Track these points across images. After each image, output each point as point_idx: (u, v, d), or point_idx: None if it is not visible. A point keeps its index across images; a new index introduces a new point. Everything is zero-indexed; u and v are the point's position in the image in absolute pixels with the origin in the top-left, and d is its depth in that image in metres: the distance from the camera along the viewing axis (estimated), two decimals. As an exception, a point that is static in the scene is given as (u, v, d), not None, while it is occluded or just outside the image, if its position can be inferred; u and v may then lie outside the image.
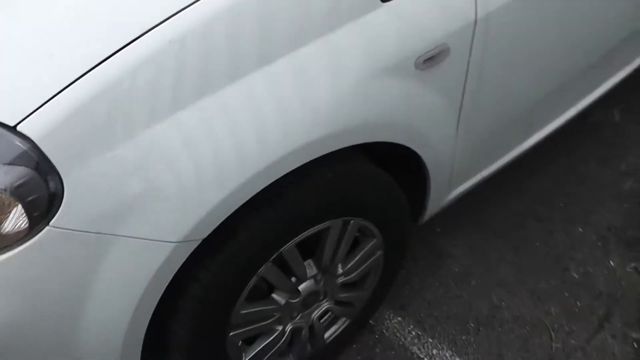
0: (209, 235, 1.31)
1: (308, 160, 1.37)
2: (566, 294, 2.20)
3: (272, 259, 1.48)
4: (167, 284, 1.32)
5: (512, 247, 2.38)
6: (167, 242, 1.25)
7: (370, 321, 2.12)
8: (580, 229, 2.43)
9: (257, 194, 1.34)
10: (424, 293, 2.22)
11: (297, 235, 1.49)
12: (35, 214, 1.12)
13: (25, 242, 1.13)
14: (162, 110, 1.20)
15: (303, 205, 1.46)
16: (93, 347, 1.35)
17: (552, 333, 2.08)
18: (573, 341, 2.06)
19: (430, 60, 1.48)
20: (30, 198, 1.11)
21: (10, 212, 1.12)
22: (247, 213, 1.38)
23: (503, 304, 2.18)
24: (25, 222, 1.13)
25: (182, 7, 1.20)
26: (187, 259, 1.32)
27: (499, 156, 2.11)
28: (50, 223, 1.13)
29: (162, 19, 1.20)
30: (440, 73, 1.53)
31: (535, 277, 2.27)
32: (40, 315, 1.25)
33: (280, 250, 1.48)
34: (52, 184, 1.12)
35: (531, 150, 2.25)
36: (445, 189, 1.91)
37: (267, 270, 1.49)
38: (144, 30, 1.18)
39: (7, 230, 1.13)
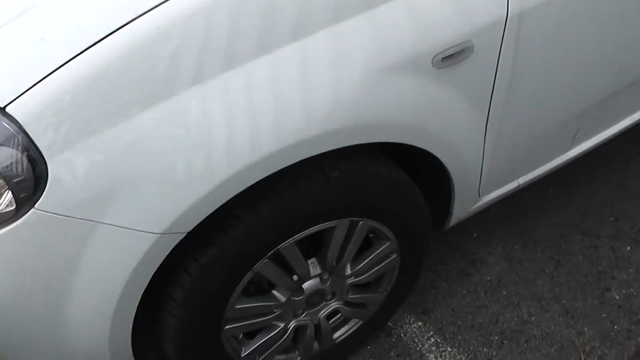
0: (201, 227, 1.28)
1: (304, 157, 1.30)
2: (603, 315, 2.05)
3: (268, 255, 1.43)
4: (152, 273, 1.29)
5: (552, 260, 2.24)
6: (149, 232, 1.22)
7: (389, 323, 2.05)
8: (629, 248, 2.26)
9: (254, 189, 1.30)
10: (449, 299, 2.12)
11: (296, 234, 1.43)
12: (22, 195, 1.13)
13: (12, 223, 1.14)
14: (150, 98, 1.16)
15: (303, 203, 1.40)
16: (80, 331, 1.34)
17: (582, 355, 1.94)
18: (604, 367, 1.92)
19: (450, 58, 1.38)
20: (16, 180, 1.12)
21: (3, 192, 1.13)
22: (241, 208, 1.34)
23: (533, 319, 2.06)
24: (12, 203, 1.14)
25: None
26: (179, 249, 1.30)
27: (539, 163, 1.98)
28: (35, 206, 1.13)
29: (156, 4, 1.16)
30: (462, 73, 1.42)
31: (573, 294, 2.13)
32: (27, 294, 1.26)
33: (278, 247, 1.43)
34: (37, 167, 1.12)
35: (580, 159, 2.10)
36: (473, 194, 1.81)
37: (263, 266, 1.44)
38: (136, 16, 1.15)
39: (1, 209, 1.14)
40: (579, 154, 2.10)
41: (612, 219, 2.37)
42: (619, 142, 2.28)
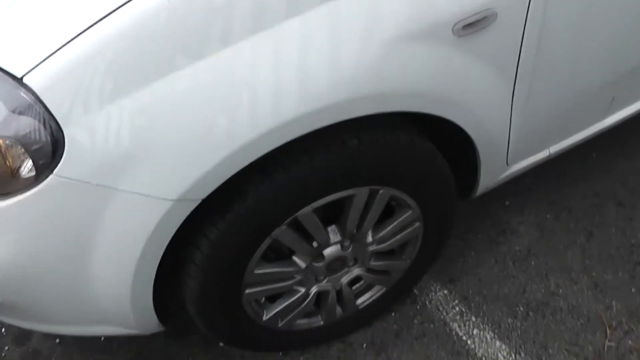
0: (220, 194, 1.29)
1: (326, 124, 1.29)
2: (633, 290, 2.01)
3: (285, 222, 1.44)
4: (169, 238, 1.32)
5: (585, 231, 2.20)
6: (164, 199, 1.24)
7: (415, 291, 2.05)
8: (666, 220, 2.20)
9: (272, 157, 1.30)
10: (477, 269, 2.11)
11: (314, 201, 1.43)
12: (41, 162, 1.18)
13: (33, 188, 1.19)
14: (169, 65, 1.17)
15: (320, 171, 1.39)
16: (104, 292, 1.39)
17: (608, 330, 1.91)
18: (630, 342, 1.89)
19: (472, 26, 1.34)
20: (35, 147, 1.17)
21: (25, 158, 1.18)
22: (258, 175, 1.34)
23: (560, 291, 2.03)
24: (32, 169, 1.18)
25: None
26: (199, 214, 1.32)
27: (571, 132, 1.93)
28: (54, 172, 1.17)
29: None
30: (485, 41, 1.38)
31: (603, 266, 2.09)
32: (50, 258, 1.31)
33: (295, 215, 1.43)
34: (54, 135, 1.16)
35: (630, 122, 2.03)
36: (501, 163, 1.77)
37: (281, 233, 1.45)
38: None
39: (23, 175, 1.19)
40: (616, 122, 2.03)
41: (651, 189, 2.30)
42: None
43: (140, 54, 1.15)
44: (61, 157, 1.16)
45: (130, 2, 1.14)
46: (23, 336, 2.02)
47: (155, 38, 1.15)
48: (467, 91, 1.45)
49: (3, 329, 2.03)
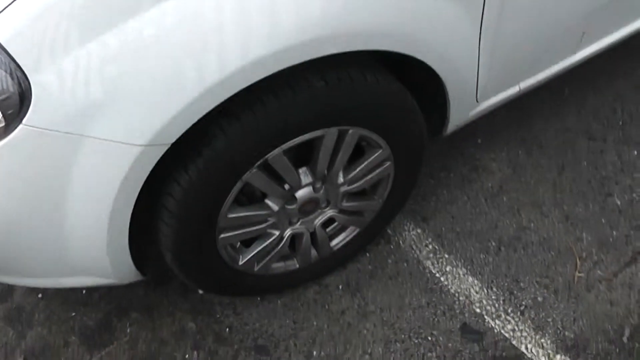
0: (188, 138, 1.29)
1: (292, 64, 1.28)
2: (603, 221, 2.05)
3: (256, 165, 1.44)
4: (141, 184, 1.32)
5: (557, 166, 2.23)
6: (133, 144, 1.23)
7: (388, 230, 2.07)
8: (635, 152, 2.24)
9: (238, 100, 1.30)
10: (450, 207, 2.13)
11: (283, 143, 1.43)
12: (9, 112, 1.17)
13: (3, 138, 1.18)
14: (132, 7, 1.15)
15: (288, 113, 1.39)
16: (79, 240, 1.40)
17: (578, 261, 1.96)
18: (599, 272, 1.94)
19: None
20: (2, 97, 1.15)
21: None
22: (226, 118, 1.34)
23: (532, 225, 2.07)
24: (1, 120, 1.17)
25: None
26: (170, 160, 1.32)
27: (542, 67, 1.93)
28: (23, 121, 1.17)
29: None
30: (450, -25, 1.37)
31: (574, 200, 2.13)
32: (24, 208, 1.31)
33: (265, 157, 1.44)
34: (21, 84, 1.15)
35: (603, 56, 2.04)
36: (470, 100, 1.78)
37: (252, 176, 1.46)
38: None
39: None
40: (586, 56, 2.04)
41: (621, 123, 2.33)
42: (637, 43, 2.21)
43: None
44: (29, 106, 1.15)
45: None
46: (5, 292, 2.03)
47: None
48: (434, 28, 1.45)
49: (-17, 287, 2.04)
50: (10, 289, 2.04)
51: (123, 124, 1.21)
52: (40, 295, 2.02)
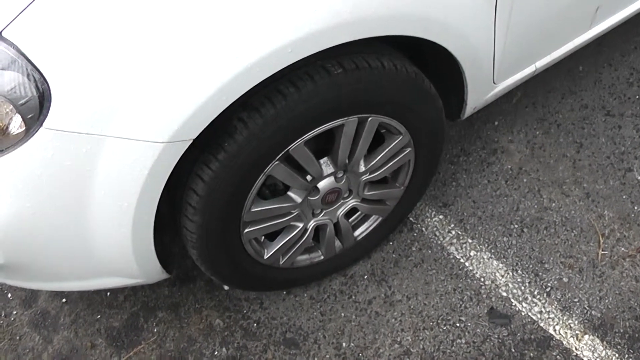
0: (209, 133, 1.29)
1: (310, 53, 1.28)
2: (624, 197, 2.04)
3: (278, 157, 1.43)
4: (164, 181, 1.32)
5: (575, 143, 2.21)
6: (154, 142, 1.23)
7: (410, 218, 2.07)
8: (654, 126, 2.21)
9: (258, 93, 1.29)
10: (470, 191, 2.12)
11: (304, 134, 1.43)
12: (30, 116, 1.17)
13: (24, 143, 1.19)
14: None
15: (308, 103, 1.38)
16: (105, 241, 1.39)
17: (600, 239, 1.94)
18: (623, 249, 1.92)
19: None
20: (22, 102, 1.16)
21: (14, 114, 1.17)
22: (245, 112, 1.33)
23: (553, 205, 2.05)
24: (22, 125, 1.18)
25: None
26: (192, 156, 1.32)
27: (557, 45, 1.92)
28: (44, 125, 1.17)
29: None
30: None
31: (594, 176, 2.11)
32: (48, 212, 1.31)
33: (287, 149, 1.43)
34: (40, 88, 1.15)
35: (614, 32, 2.01)
36: (487, 82, 1.77)
37: (274, 169, 1.45)
38: None
39: (12, 132, 1.19)
40: (601, 32, 2.02)
41: (638, 97, 2.31)
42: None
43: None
44: (49, 109, 1.16)
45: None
46: (30, 299, 2.03)
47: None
48: (448, 10, 1.43)
49: (9, 294, 2.05)
50: (34, 294, 2.04)
51: (144, 121, 1.21)
52: (64, 300, 2.03)
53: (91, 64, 1.15)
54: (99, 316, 1.97)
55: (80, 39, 1.14)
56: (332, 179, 1.62)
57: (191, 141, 1.27)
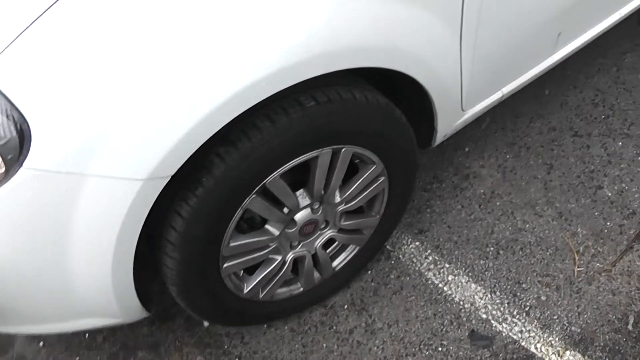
0: (187, 169, 1.29)
1: (282, 88, 1.30)
2: (596, 214, 2.08)
3: (255, 191, 1.45)
4: (144, 218, 1.32)
5: (545, 165, 2.25)
6: (134, 179, 1.24)
7: (387, 246, 2.08)
8: (620, 143, 2.27)
9: (234, 127, 1.31)
10: (445, 216, 2.15)
11: (280, 167, 1.44)
12: (9, 156, 1.16)
13: (4, 183, 1.18)
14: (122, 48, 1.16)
15: (282, 136, 1.40)
16: (84, 280, 1.39)
17: (576, 256, 1.98)
18: (598, 264, 1.96)
19: (413, -25, 1.35)
20: (1, 142, 1.15)
21: None
22: (222, 147, 1.35)
23: (527, 226, 2.09)
24: (1, 165, 1.17)
25: None
26: (171, 193, 1.33)
27: (522, 71, 1.97)
28: (24, 165, 1.16)
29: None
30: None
31: (565, 196, 2.15)
32: (28, 252, 1.30)
33: (264, 182, 1.44)
34: (19, 127, 1.14)
35: (576, 56, 2.09)
36: (457, 110, 1.81)
37: (252, 202, 1.47)
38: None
39: None
40: (564, 56, 2.08)
41: (604, 116, 2.37)
42: (614, 36, 2.25)
43: (94, 39, 1.15)
44: (29, 149, 1.15)
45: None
46: (5, 344, 2.00)
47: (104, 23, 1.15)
48: (416, 41, 1.47)
49: (-17, 340, 2.02)
50: (10, 339, 2.01)
51: (123, 159, 1.21)
52: (41, 344, 2.00)
53: (71, 103, 1.15)
54: (77, 358, 1.95)
55: (59, 78, 1.14)
56: (308, 210, 1.64)
57: (169, 178, 1.27)
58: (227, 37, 1.21)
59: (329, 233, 1.77)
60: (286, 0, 1.25)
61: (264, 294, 1.75)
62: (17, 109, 1.13)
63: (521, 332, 1.85)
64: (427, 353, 1.83)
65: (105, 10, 1.15)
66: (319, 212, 1.67)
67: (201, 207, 1.39)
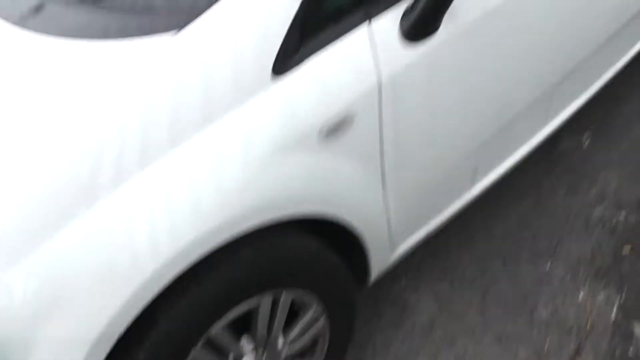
0: (135, 325, 1.33)
1: (221, 242, 1.38)
2: (534, 334, 2.17)
3: (199, 344, 1.48)
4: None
5: (479, 292, 2.35)
6: (82, 341, 1.27)
7: (334, 385, 2.09)
8: (549, 264, 2.40)
9: (174, 282, 1.36)
10: (387, 350, 2.20)
11: (221, 318, 1.49)
12: None
13: None
14: (69, 213, 1.24)
15: (222, 287, 1.47)
16: None
17: (520, 379, 2.04)
18: (541, 384, 2.02)
19: (335, 131, 1.49)
20: None
21: None
22: (165, 302, 1.40)
23: (468, 353, 2.15)
24: None
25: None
26: (120, 347, 1.35)
27: (444, 207, 2.11)
28: None
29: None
30: (350, 141, 1.54)
31: (502, 320, 2.24)
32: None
33: (206, 334, 1.49)
34: None
35: (497, 186, 2.24)
36: (387, 249, 1.91)
37: (196, 355, 1.49)
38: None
39: None
40: (483, 190, 2.23)
41: (529, 241, 2.50)
42: (532, 161, 2.43)
43: (39, 207, 1.23)
44: None
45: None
46: None
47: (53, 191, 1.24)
48: (341, 189, 1.59)
49: None
50: None
51: (71, 322, 1.26)
52: None
53: (18, 273, 1.21)
54: None
55: (9, 248, 1.21)
56: (253, 355, 1.67)
57: (118, 335, 1.31)
58: (167, 201, 1.30)
59: (274, 378, 1.79)
60: (220, 161, 1.35)
61: None
62: None
63: None
64: None
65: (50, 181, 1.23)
66: (264, 357, 1.70)
67: (149, 361, 1.42)
